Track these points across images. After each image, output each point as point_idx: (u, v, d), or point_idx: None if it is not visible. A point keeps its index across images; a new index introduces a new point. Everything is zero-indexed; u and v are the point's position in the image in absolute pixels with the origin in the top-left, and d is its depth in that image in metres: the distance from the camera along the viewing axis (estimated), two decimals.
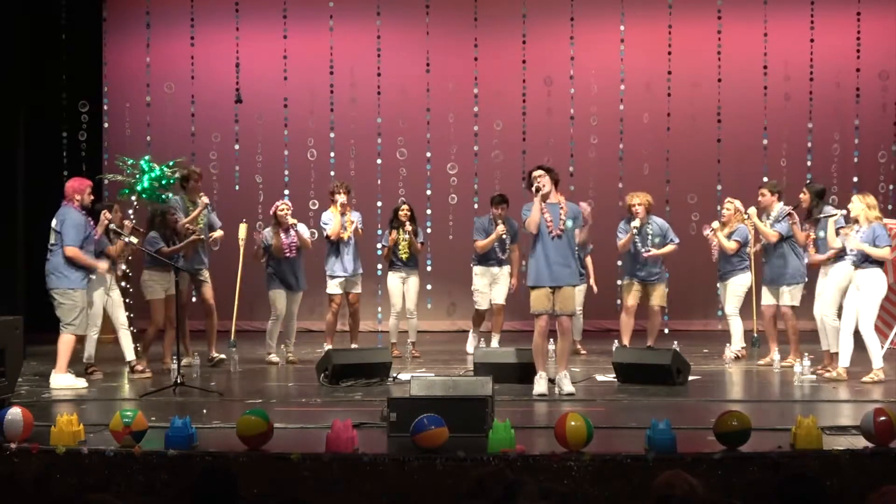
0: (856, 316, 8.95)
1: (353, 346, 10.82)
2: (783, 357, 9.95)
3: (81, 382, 9.01)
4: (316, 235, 10.95)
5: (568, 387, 8.38)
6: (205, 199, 10.27)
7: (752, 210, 10.11)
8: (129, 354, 9.77)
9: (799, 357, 9.59)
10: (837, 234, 9.29)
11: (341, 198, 10.74)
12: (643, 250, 10.39)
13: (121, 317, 9.89)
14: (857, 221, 9.01)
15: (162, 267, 9.88)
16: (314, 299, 12.46)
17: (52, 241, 9.03)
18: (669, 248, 10.50)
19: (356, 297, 10.98)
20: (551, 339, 9.06)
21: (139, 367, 9.66)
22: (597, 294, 11.49)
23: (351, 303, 10.96)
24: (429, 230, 13.50)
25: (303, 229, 10.74)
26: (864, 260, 8.88)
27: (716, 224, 10.57)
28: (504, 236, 10.92)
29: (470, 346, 11.12)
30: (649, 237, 10.42)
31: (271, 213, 10.72)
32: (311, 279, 11.22)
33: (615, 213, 10.87)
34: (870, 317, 8.92)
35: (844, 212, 9.28)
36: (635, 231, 10.41)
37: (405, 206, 11.12)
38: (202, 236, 10.25)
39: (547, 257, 8.41)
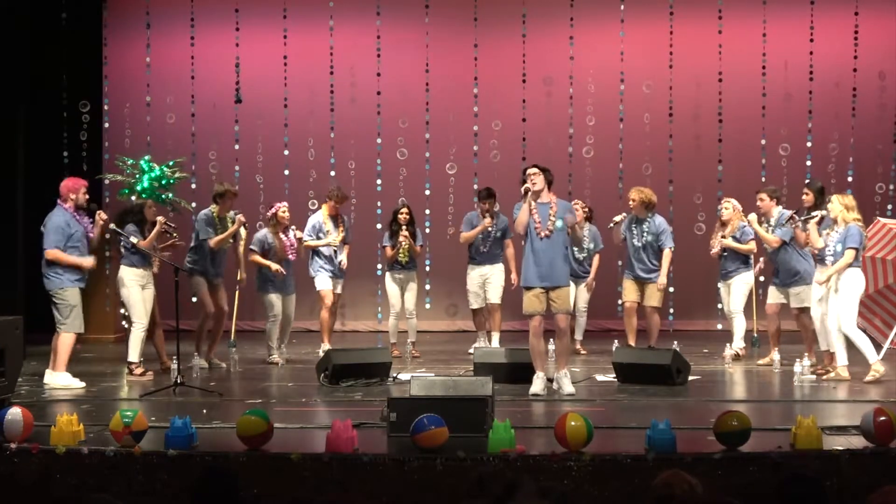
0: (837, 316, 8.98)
1: (325, 345, 10.77)
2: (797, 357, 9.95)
3: (78, 382, 8.99)
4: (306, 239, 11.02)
5: (568, 387, 8.37)
6: (241, 218, 10.27)
7: (753, 216, 10.07)
8: (134, 356, 9.73)
9: (812, 357, 9.60)
10: (819, 234, 9.34)
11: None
12: (638, 245, 10.38)
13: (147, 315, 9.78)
14: (835, 221, 9.06)
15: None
16: (314, 299, 12.45)
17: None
18: (665, 256, 10.41)
19: (338, 297, 11.12)
20: (550, 339, 9.05)
21: (138, 371, 9.62)
22: (597, 291, 11.50)
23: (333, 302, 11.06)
24: (427, 230, 13.50)
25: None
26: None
27: (719, 240, 10.58)
28: (490, 229, 10.91)
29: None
30: (645, 234, 10.40)
31: (270, 213, 10.81)
32: (307, 279, 11.25)
33: (615, 213, 10.86)
34: (851, 315, 8.96)
35: (825, 212, 9.32)
36: (615, 222, 10.37)
37: (404, 210, 11.14)
38: (179, 240, 10.24)
39: (535, 258, 8.40)
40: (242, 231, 11.29)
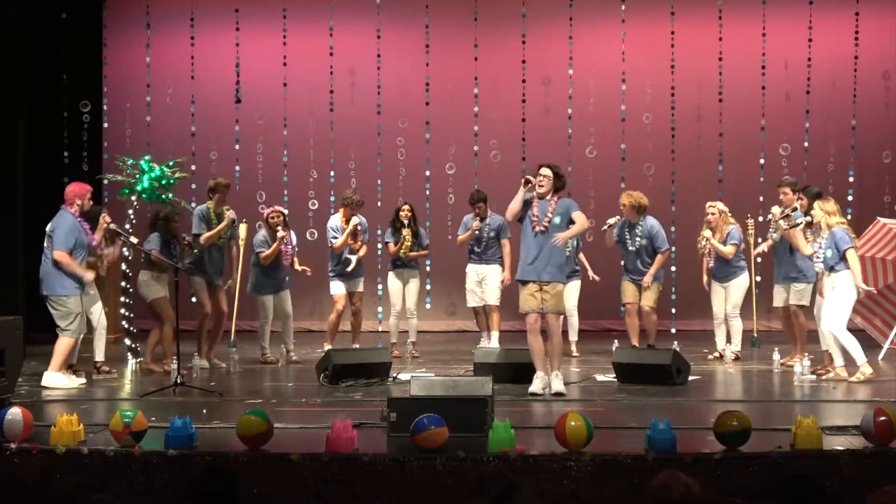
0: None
1: (355, 345, 10.82)
2: (787, 356, 9.93)
3: (73, 382, 8.99)
4: (315, 235, 10.97)
5: (557, 386, 8.32)
6: (231, 214, 10.25)
7: (776, 210, 10.03)
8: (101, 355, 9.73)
9: (802, 357, 9.60)
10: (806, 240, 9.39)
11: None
12: (632, 249, 10.38)
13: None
14: (820, 228, 9.07)
15: (159, 268, 9.85)
16: (314, 299, 12.48)
17: (46, 245, 9.02)
18: (658, 259, 10.40)
19: (359, 296, 11.03)
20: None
21: (105, 369, 9.61)
22: (597, 291, 11.48)
23: (353, 302, 10.99)
24: (427, 230, 13.49)
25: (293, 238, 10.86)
26: (837, 263, 8.92)
27: (707, 233, 10.53)
28: (484, 232, 10.92)
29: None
30: (638, 238, 10.39)
31: (264, 217, 10.84)
32: (308, 279, 11.24)
33: (616, 213, 10.85)
34: (842, 318, 8.97)
35: (809, 218, 9.34)
36: (609, 225, 10.38)
37: (406, 206, 11.16)
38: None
39: (530, 253, 8.41)
40: (242, 232, 11.30)
